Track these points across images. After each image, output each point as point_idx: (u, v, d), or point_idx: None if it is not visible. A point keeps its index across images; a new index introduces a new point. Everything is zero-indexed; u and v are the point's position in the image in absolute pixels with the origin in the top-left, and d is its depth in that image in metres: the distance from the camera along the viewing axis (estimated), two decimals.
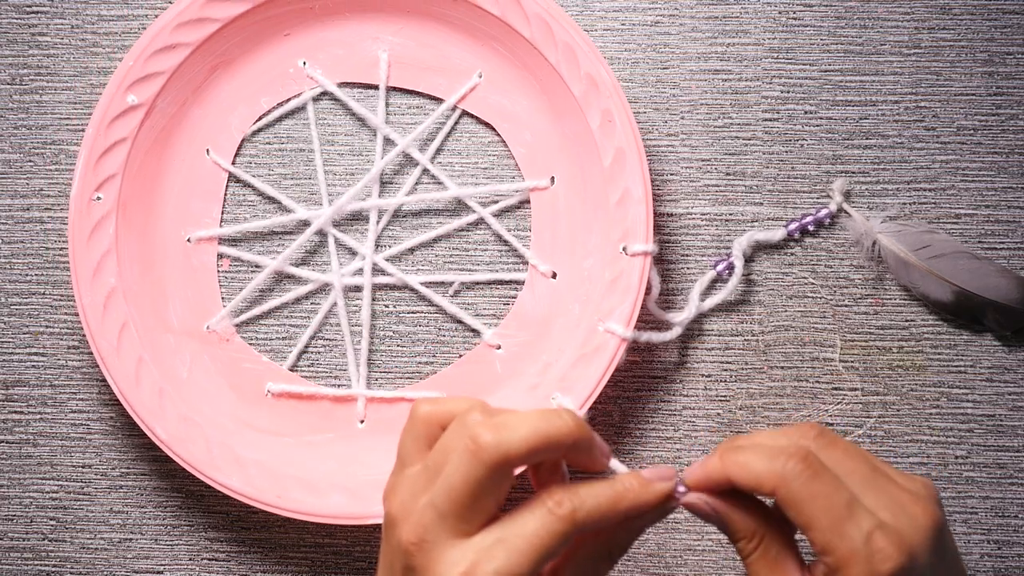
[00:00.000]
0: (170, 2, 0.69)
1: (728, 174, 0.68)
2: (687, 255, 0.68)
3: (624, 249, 0.64)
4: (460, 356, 0.68)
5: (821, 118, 0.68)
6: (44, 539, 0.69)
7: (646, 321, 0.66)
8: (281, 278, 0.69)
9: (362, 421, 0.68)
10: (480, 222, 0.68)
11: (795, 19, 0.68)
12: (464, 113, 0.68)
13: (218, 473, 0.64)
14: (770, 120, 0.68)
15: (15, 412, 0.69)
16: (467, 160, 0.68)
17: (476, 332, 0.68)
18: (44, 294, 0.69)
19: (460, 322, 0.68)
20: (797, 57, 0.68)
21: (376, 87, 0.68)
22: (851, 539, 0.47)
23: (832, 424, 0.68)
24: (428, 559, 0.48)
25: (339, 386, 0.68)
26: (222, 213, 0.68)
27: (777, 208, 0.68)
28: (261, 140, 0.69)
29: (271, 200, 0.69)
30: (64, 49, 0.69)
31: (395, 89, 0.68)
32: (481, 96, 0.68)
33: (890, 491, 0.48)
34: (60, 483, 0.69)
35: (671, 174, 0.68)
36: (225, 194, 0.68)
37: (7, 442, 0.69)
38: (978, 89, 0.68)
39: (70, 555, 0.69)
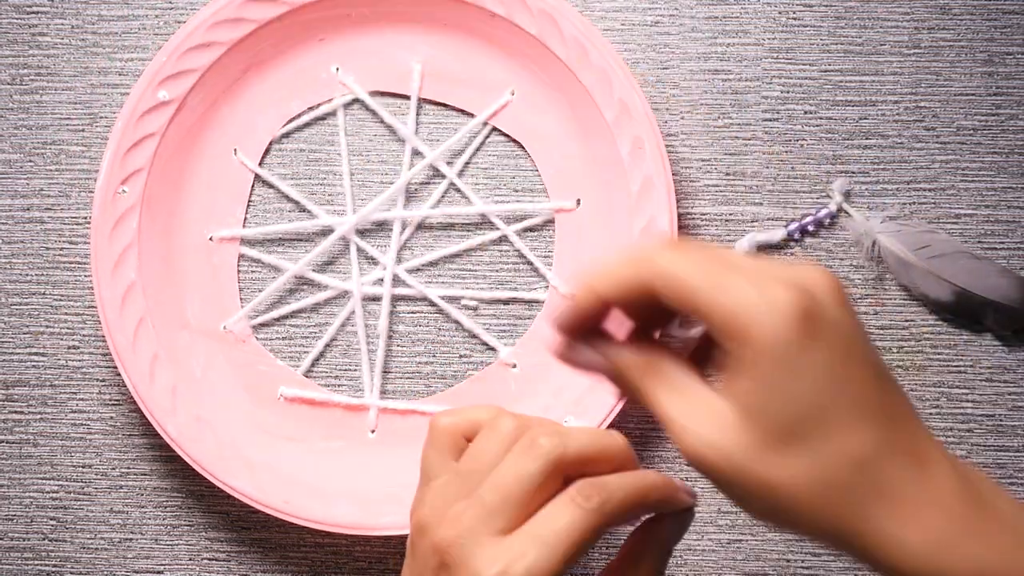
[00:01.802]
0: (169, 3, 0.69)
1: (728, 174, 0.68)
2: None
3: None
4: (475, 372, 0.68)
5: (821, 118, 0.68)
6: (44, 539, 0.69)
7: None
8: (301, 283, 0.69)
9: (373, 431, 0.68)
10: (503, 239, 0.68)
11: (795, 19, 0.68)
12: (494, 129, 0.68)
13: (227, 475, 0.64)
14: (770, 120, 0.68)
15: (15, 412, 0.69)
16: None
17: (492, 349, 0.68)
18: (44, 294, 0.69)
19: (477, 338, 0.68)
20: (797, 57, 0.68)
21: (407, 98, 0.68)
22: (735, 291, 0.41)
23: None
24: (464, 554, 0.47)
25: (352, 394, 0.68)
26: (246, 214, 0.68)
27: (777, 208, 0.68)
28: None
29: (295, 204, 0.69)
30: (64, 49, 0.69)
31: (426, 101, 0.68)
32: (512, 114, 0.68)
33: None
34: (60, 483, 0.69)
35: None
36: (250, 195, 0.68)
37: (7, 442, 0.69)
38: (978, 89, 0.68)
39: (70, 555, 0.69)
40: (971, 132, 0.68)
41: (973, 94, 0.68)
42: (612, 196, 0.66)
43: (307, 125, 0.69)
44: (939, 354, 0.68)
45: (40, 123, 0.69)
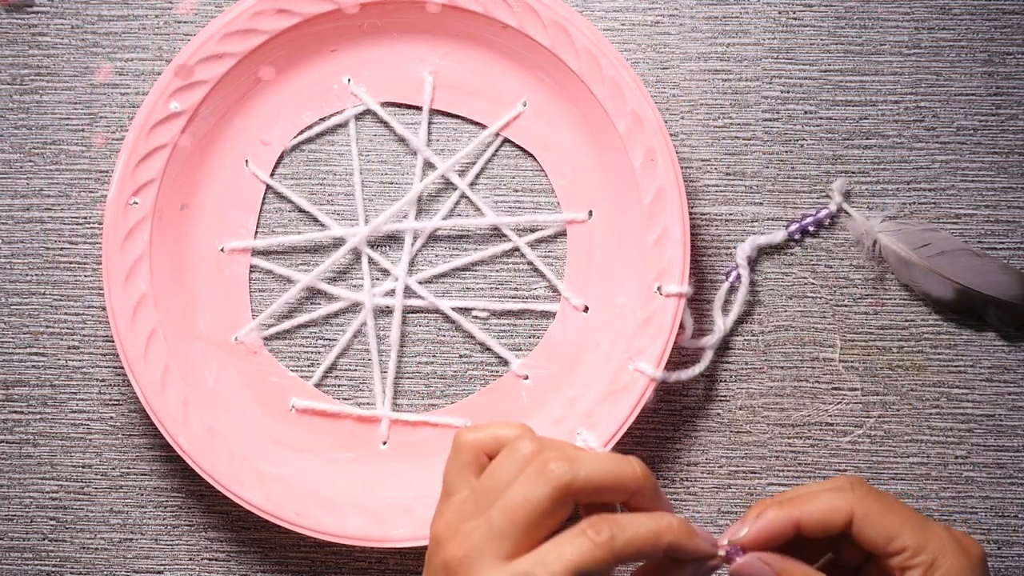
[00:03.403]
0: (170, 4, 0.69)
1: (728, 174, 0.68)
2: None
3: (659, 289, 0.64)
4: (487, 384, 0.68)
5: (821, 118, 0.68)
6: (44, 539, 0.69)
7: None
8: (312, 294, 0.68)
9: (385, 443, 0.68)
10: (515, 251, 0.68)
11: (795, 19, 0.68)
12: (506, 141, 0.68)
13: (239, 487, 0.64)
14: (770, 120, 0.68)
15: (15, 412, 0.69)
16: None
17: (504, 361, 0.68)
18: (44, 294, 0.69)
19: (489, 350, 0.68)
20: (797, 57, 0.68)
21: (419, 109, 0.68)
22: (938, 535, 0.50)
23: (832, 424, 0.68)
24: (469, 574, 0.48)
25: (364, 406, 0.68)
26: (257, 225, 0.68)
27: (777, 208, 0.68)
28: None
29: (307, 215, 0.68)
30: (64, 49, 0.69)
31: (438, 112, 0.68)
32: (524, 125, 0.67)
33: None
34: (60, 483, 0.69)
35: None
36: (261, 206, 0.68)
37: (7, 442, 0.69)
38: (978, 89, 0.68)
39: (70, 555, 0.69)
40: (971, 132, 0.68)
41: (973, 94, 0.68)
42: (624, 207, 0.66)
43: (319, 136, 0.69)
44: (939, 354, 0.68)
45: (40, 123, 0.69)
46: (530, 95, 0.67)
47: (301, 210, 0.68)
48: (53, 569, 0.69)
